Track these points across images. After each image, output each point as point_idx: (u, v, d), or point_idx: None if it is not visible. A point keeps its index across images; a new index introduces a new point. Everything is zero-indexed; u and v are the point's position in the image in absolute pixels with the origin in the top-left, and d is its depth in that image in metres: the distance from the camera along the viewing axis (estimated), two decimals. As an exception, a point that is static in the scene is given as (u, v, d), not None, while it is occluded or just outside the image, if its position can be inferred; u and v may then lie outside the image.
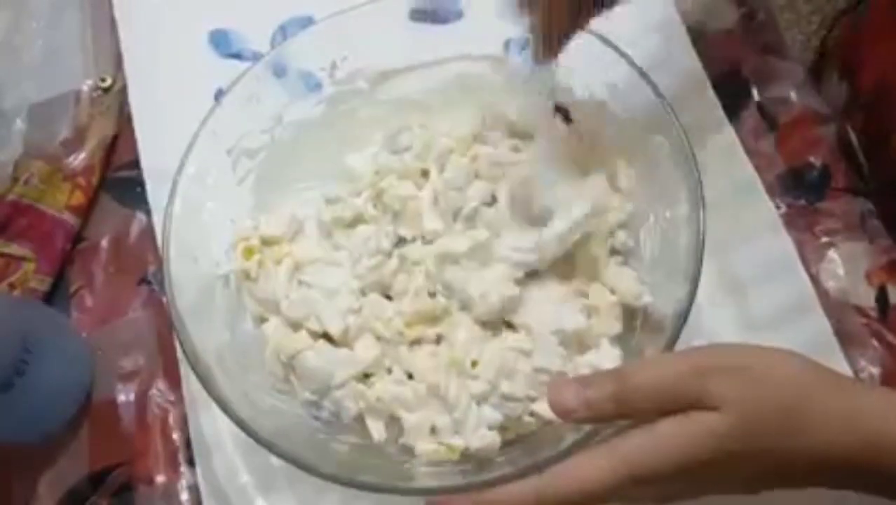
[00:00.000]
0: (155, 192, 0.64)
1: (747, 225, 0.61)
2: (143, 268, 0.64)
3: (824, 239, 0.62)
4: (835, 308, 0.60)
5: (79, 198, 0.65)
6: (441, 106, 0.59)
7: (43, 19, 0.69)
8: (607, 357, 0.50)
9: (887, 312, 0.60)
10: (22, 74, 0.67)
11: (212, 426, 0.57)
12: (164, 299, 0.59)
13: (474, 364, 0.49)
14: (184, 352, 0.48)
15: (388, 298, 0.53)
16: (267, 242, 0.55)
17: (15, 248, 0.62)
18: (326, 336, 0.52)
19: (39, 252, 0.63)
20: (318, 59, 0.58)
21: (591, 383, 0.41)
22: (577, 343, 0.50)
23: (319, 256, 0.54)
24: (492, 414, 0.48)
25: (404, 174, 0.55)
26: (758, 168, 0.63)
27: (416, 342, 0.51)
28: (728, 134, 0.65)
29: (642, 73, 0.53)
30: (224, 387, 0.47)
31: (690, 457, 0.38)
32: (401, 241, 0.54)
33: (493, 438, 0.48)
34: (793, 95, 0.67)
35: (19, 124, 0.65)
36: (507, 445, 0.49)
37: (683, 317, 0.46)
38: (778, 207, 0.63)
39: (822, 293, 0.60)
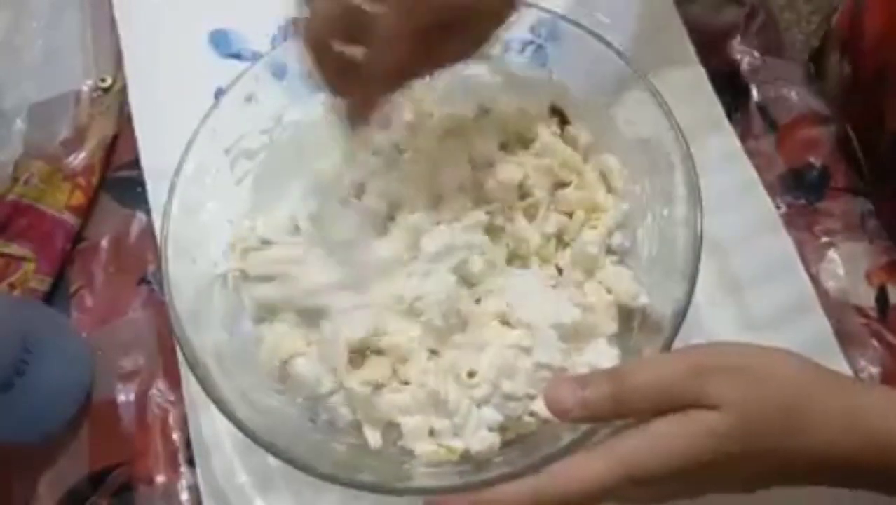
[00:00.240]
0: (155, 192, 0.64)
1: (747, 225, 0.61)
2: (143, 268, 0.64)
3: (824, 239, 0.62)
4: (835, 308, 0.60)
5: (79, 198, 0.65)
6: (441, 106, 0.59)
7: (43, 19, 0.69)
8: (605, 357, 0.50)
9: (887, 312, 0.60)
10: (22, 74, 0.68)
11: (211, 426, 0.57)
12: (164, 300, 0.59)
13: (471, 375, 0.49)
14: (182, 353, 0.48)
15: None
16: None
17: (15, 248, 0.62)
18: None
19: (39, 252, 0.63)
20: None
21: (588, 383, 0.41)
22: (575, 337, 0.50)
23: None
24: (492, 415, 0.48)
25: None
26: (758, 168, 0.63)
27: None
28: (728, 134, 0.65)
29: (640, 74, 0.53)
30: (222, 387, 0.47)
31: (689, 457, 0.38)
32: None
33: (493, 440, 0.48)
34: (793, 95, 0.67)
35: (19, 124, 0.65)
36: (505, 445, 0.48)
37: (681, 316, 0.46)
38: (778, 207, 0.63)
39: (822, 293, 0.60)
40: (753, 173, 0.63)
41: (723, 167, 0.62)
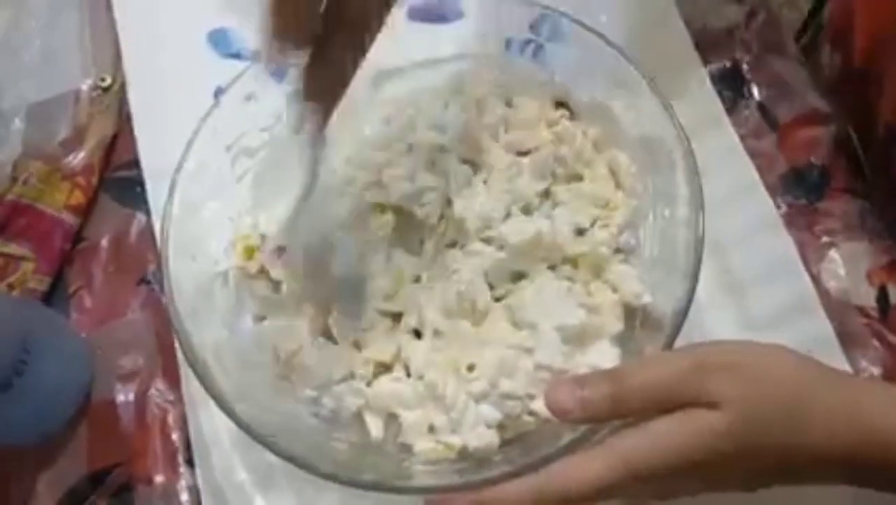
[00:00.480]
0: (154, 192, 0.64)
1: (748, 225, 0.61)
2: (142, 268, 0.64)
3: (825, 239, 0.62)
4: (836, 308, 0.60)
5: (78, 198, 0.65)
6: (440, 106, 0.59)
7: (42, 19, 0.69)
8: (606, 356, 0.50)
9: (888, 312, 0.60)
10: (21, 74, 0.67)
11: (211, 426, 0.57)
12: (164, 299, 0.59)
13: (471, 368, 0.49)
14: (182, 351, 0.48)
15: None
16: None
17: (14, 248, 0.62)
18: (326, 332, 0.52)
19: (38, 252, 0.62)
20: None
21: (588, 383, 0.41)
22: (580, 338, 0.50)
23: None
24: (490, 412, 0.48)
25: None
26: (758, 168, 0.63)
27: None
28: (728, 134, 0.65)
29: (641, 73, 0.53)
30: (223, 385, 0.47)
31: (689, 455, 0.38)
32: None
33: (492, 437, 0.48)
34: (793, 95, 0.67)
35: (18, 124, 0.65)
36: (505, 444, 0.48)
37: (682, 316, 0.46)
38: (778, 207, 0.63)
39: (823, 293, 0.60)
40: (754, 173, 0.63)
41: (723, 167, 0.62)
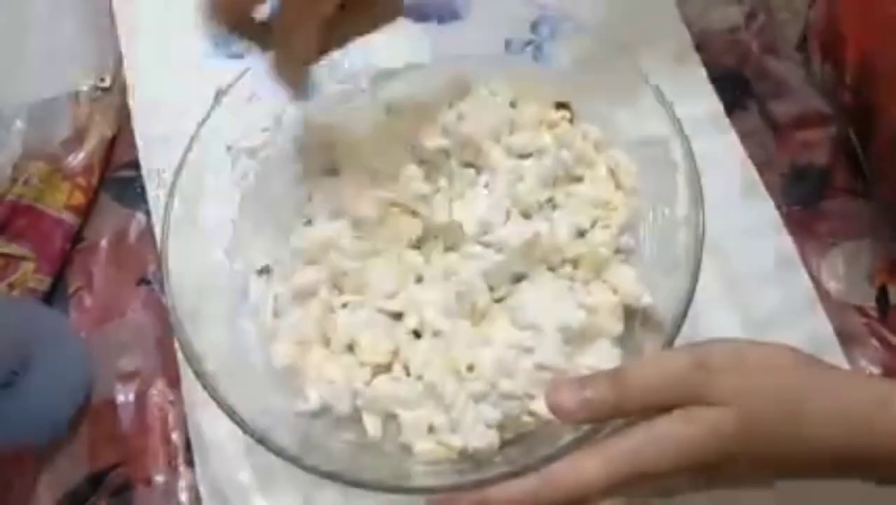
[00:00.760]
0: (154, 192, 0.64)
1: (748, 225, 0.61)
2: (142, 268, 0.64)
3: (825, 239, 0.62)
4: (835, 308, 0.60)
5: (78, 198, 0.65)
6: (440, 106, 0.59)
7: (42, 19, 0.69)
8: (607, 357, 0.49)
9: (888, 312, 0.60)
10: (21, 74, 0.68)
11: (211, 426, 0.57)
12: (164, 300, 0.59)
13: (470, 368, 0.48)
14: (182, 351, 0.48)
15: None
16: None
17: (14, 248, 0.62)
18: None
19: (39, 252, 0.63)
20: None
21: (589, 384, 0.41)
22: (580, 339, 0.50)
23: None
24: (490, 412, 0.48)
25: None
26: (758, 168, 0.64)
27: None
28: (728, 134, 0.65)
29: (642, 74, 0.53)
30: (223, 386, 0.47)
31: (691, 453, 0.38)
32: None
33: (492, 438, 0.48)
34: (793, 95, 0.67)
35: (19, 124, 0.65)
36: (505, 444, 0.48)
37: (682, 316, 0.46)
38: (778, 207, 0.63)
39: (823, 293, 0.60)
40: (754, 173, 0.63)
41: (723, 167, 0.62)
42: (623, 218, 0.54)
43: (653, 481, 0.39)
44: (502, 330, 0.50)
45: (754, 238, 0.61)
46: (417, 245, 0.54)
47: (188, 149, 0.53)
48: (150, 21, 0.71)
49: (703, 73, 0.67)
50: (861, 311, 0.60)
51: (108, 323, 0.62)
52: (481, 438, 0.47)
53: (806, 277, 0.60)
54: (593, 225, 0.54)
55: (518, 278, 0.53)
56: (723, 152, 0.64)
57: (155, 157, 0.65)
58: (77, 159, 0.66)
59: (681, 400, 0.39)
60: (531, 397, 0.48)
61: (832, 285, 0.61)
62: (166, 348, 0.60)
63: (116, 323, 0.62)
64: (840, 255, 0.62)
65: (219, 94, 0.56)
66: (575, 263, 0.53)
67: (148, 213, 0.65)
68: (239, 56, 0.69)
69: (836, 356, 0.57)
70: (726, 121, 0.65)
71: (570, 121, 0.57)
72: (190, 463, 0.57)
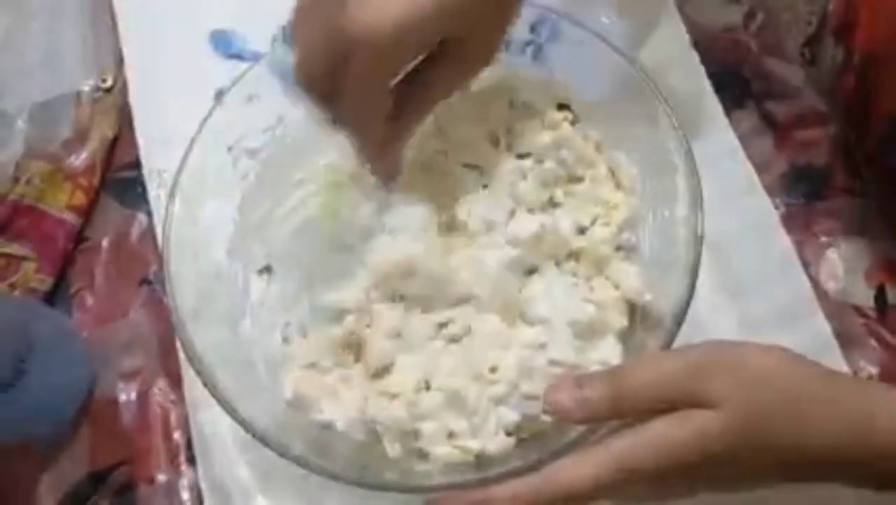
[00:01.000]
0: (155, 193, 0.64)
1: (747, 225, 0.61)
2: (144, 268, 0.64)
3: (823, 239, 0.63)
4: (834, 308, 0.60)
5: (80, 198, 0.65)
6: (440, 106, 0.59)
7: (43, 19, 0.70)
8: (612, 353, 0.49)
9: (886, 312, 0.60)
10: (23, 75, 0.68)
11: (213, 425, 0.57)
12: (165, 299, 0.59)
13: (493, 370, 0.48)
14: (184, 350, 0.48)
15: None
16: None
17: (16, 249, 0.63)
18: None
19: (40, 252, 0.63)
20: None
21: (587, 384, 0.41)
22: (588, 334, 0.50)
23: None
24: (509, 415, 0.48)
25: None
26: (757, 168, 0.64)
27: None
28: (728, 134, 0.65)
29: (642, 73, 0.53)
30: (224, 385, 0.47)
31: (683, 456, 0.38)
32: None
33: (509, 441, 0.47)
34: (793, 96, 0.67)
35: (20, 125, 0.65)
36: (519, 444, 0.48)
37: (682, 316, 0.46)
38: (777, 207, 0.63)
39: (821, 293, 0.60)
40: (753, 173, 0.63)
41: (722, 167, 0.62)
42: (623, 216, 0.54)
43: (647, 484, 0.39)
44: (517, 328, 0.50)
45: (753, 238, 0.61)
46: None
47: (189, 149, 0.54)
48: (151, 21, 0.71)
49: (702, 72, 0.67)
50: (859, 310, 0.60)
51: (109, 323, 0.62)
52: (500, 440, 0.47)
53: (804, 276, 0.60)
54: (593, 222, 0.54)
55: (527, 273, 0.53)
56: (722, 152, 0.64)
57: (156, 158, 0.66)
58: (79, 159, 0.66)
59: (677, 402, 0.39)
60: None
61: (830, 285, 0.61)
62: (168, 348, 0.61)
63: (118, 323, 0.62)
64: (838, 254, 0.62)
65: (219, 95, 0.56)
66: (577, 257, 0.53)
67: (149, 214, 0.65)
68: (239, 56, 0.69)
69: (834, 356, 0.57)
70: (725, 121, 0.65)
71: (572, 122, 0.57)
72: (192, 462, 0.57)
